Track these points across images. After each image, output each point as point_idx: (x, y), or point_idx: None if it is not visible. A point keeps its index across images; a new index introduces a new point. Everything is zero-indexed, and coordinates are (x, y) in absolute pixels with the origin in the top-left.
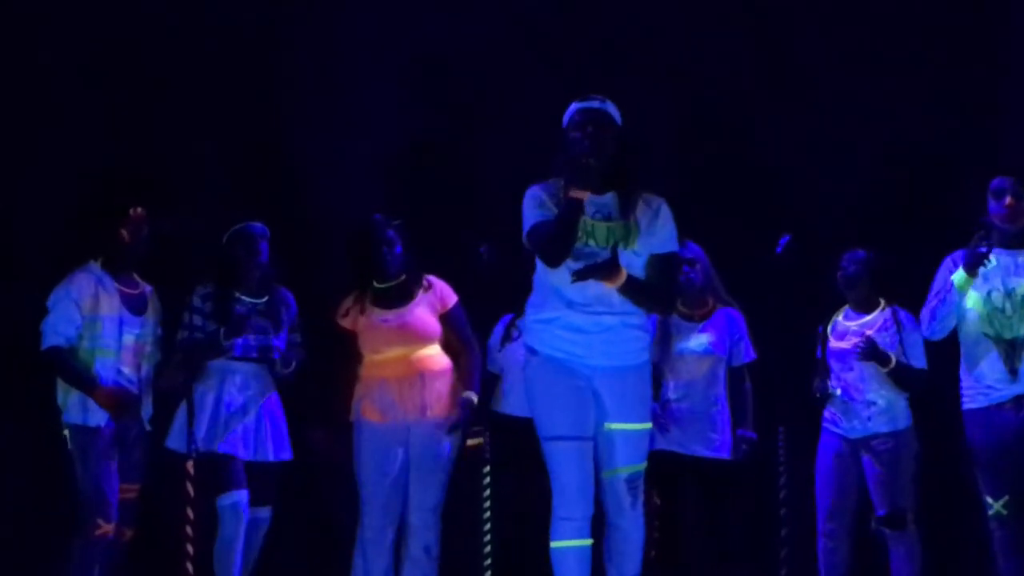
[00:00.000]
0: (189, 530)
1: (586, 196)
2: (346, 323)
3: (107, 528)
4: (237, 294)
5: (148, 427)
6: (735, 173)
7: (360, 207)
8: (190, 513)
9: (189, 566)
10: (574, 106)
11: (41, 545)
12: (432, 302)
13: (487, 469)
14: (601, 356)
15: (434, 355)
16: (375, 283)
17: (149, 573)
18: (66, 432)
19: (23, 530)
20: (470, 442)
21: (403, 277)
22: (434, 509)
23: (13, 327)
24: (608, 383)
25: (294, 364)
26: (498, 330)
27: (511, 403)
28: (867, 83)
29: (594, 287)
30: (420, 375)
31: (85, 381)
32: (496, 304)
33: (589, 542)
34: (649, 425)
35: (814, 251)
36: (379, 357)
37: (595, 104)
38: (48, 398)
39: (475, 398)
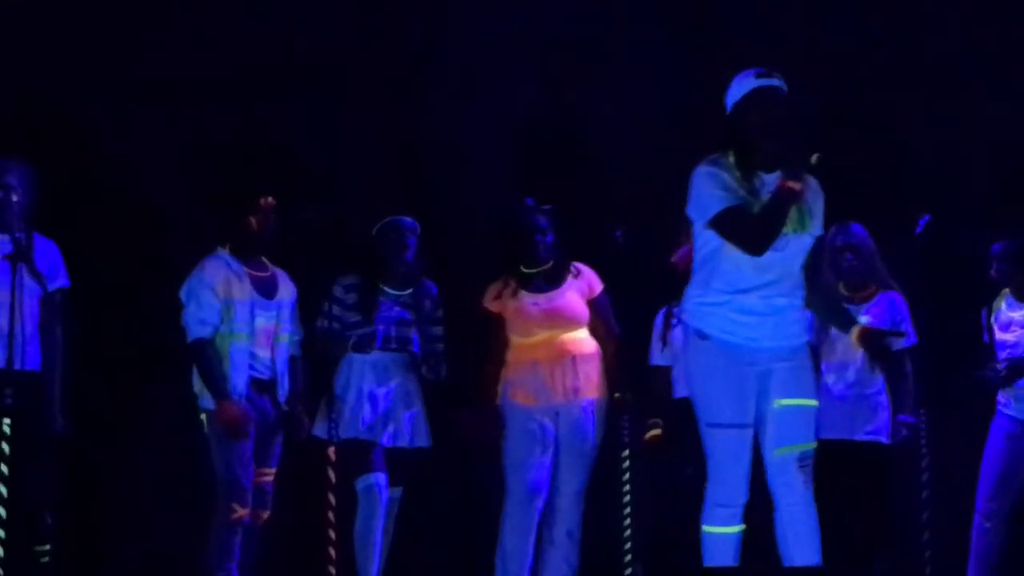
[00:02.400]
0: (331, 515)
1: (800, 187)
2: (495, 307)
3: (242, 512)
4: (382, 286)
5: (286, 407)
6: (873, 157)
7: (498, 196)
8: (331, 498)
9: (331, 551)
10: (754, 82)
11: (183, 530)
12: (581, 287)
13: (626, 453)
14: (770, 338)
15: (583, 338)
16: (523, 268)
17: (294, 558)
18: (203, 417)
19: (166, 516)
20: (648, 435)
21: (551, 264)
22: (580, 493)
23: (146, 315)
24: (778, 362)
25: (443, 371)
26: (658, 322)
27: (681, 389)
28: (1004, 65)
29: (772, 269)
30: (571, 358)
31: (219, 387)
32: (633, 289)
33: (741, 528)
34: (816, 403)
35: (953, 236)
36: (529, 340)
37: (776, 83)
38: (186, 384)
39: (630, 398)
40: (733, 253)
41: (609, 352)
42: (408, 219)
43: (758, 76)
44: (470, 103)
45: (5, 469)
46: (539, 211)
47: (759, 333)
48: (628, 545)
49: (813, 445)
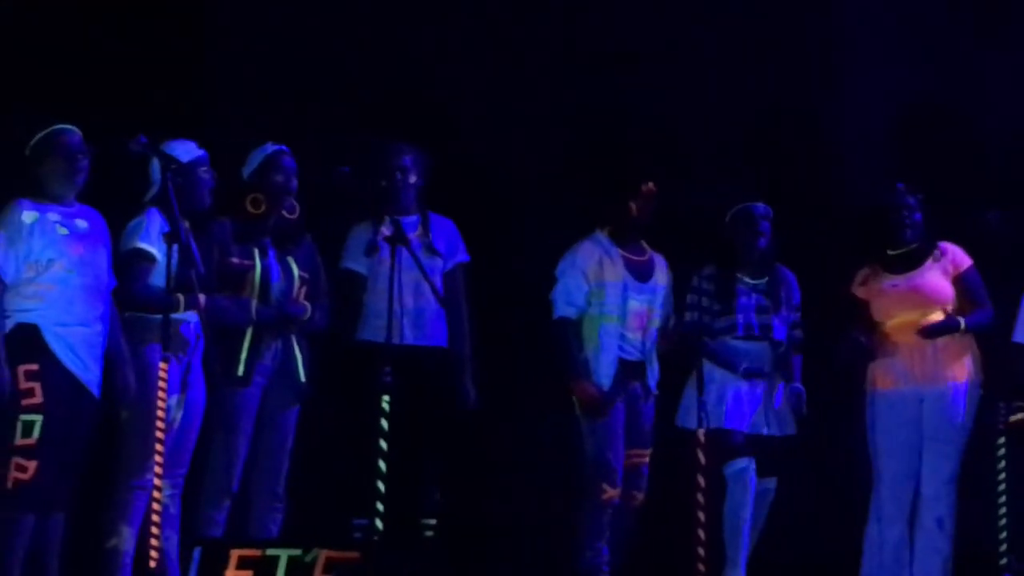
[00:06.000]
0: (700, 498)
1: None
2: (861, 292)
3: (613, 493)
4: (738, 275)
5: (655, 391)
6: None
7: (867, 179)
8: (701, 481)
9: (701, 533)
10: None
11: (557, 510)
12: (944, 267)
13: (1001, 440)
14: None
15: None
16: (888, 251)
17: (663, 539)
18: (575, 398)
19: (541, 495)
20: (1013, 418)
21: (915, 245)
22: (948, 480)
23: (521, 295)
24: None
25: (784, 346)
26: None
27: None
28: None
29: None
30: (932, 340)
31: (575, 367)
32: (1008, 270)
33: None
34: None
35: None
36: (891, 323)
37: None
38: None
39: None
40: None
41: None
42: (760, 205)
43: None
44: (840, 83)
45: (384, 445)
46: (909, 193)
47: None
48: (1003, 535)
49: None
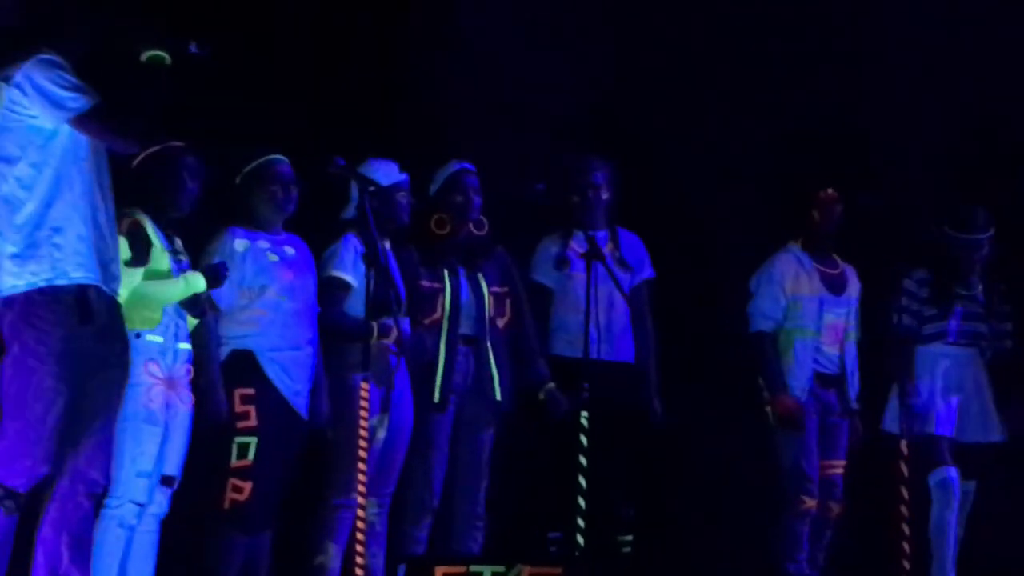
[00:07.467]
0: (904, 509)
1: None
2: None
3: (810, 503)
4: (954, 284)
5: (855, 405)
6: None
7: None
8: (904, 492)
9: (905, 545)
10: None
11: (756, 521)
12: None
13: None
14: None
15: None
16: None
17: (868, 550)
18: (768, 409)
19: (740, 507)
20: None
21: None
22: None
23: (713, 305)
24: None
25: (991, 354)
26: None
27: None
28: None
29: None
30: None
31: (773, 380)
32: None
33: None
34: None
35: None
36: None
37: None
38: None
39: None
40: None
41: None
42: (981, 215)
43: None
44: None
45: (584, 461)
46: None
47: None
48: None
49: None
